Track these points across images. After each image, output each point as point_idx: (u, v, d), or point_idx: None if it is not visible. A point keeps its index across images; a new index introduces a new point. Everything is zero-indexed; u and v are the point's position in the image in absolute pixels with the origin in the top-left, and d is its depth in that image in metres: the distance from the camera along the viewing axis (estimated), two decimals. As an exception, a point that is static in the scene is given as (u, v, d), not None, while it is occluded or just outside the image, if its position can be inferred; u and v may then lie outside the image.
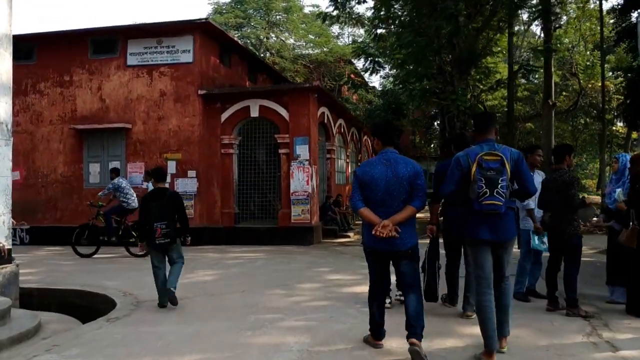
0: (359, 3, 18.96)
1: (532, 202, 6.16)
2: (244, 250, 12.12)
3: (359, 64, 25.61)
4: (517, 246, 5.70)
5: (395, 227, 4.11)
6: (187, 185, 13.96)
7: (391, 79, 31.57)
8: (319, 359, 4.34)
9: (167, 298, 6.24)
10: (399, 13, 17.72)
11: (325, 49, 30.03)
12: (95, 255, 11.07)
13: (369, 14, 19.27)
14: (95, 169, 14.62)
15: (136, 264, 9.98)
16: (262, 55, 26.95)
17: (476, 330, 4.41)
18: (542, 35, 21.53)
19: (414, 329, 4.18)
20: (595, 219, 7.62)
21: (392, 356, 4.37)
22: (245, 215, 14.49)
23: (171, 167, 14.03)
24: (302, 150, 13.69)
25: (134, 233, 11.13)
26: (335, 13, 18.72)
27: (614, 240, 6.03)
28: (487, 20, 16.47)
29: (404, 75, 19.26)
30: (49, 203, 14.73)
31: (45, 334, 6.07)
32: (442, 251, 5.76)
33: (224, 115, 14.24)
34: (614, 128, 30.59)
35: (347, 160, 20.25)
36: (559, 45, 23.09)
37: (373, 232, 4.12)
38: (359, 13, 20.48)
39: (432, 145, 37.46)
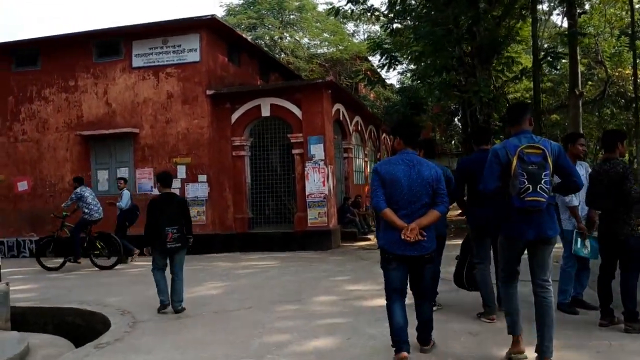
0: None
1: (575, 199, 5.36)
2: (257, 258, 11.43)
3: (375, 60, 24.88)
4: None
5: (421, 230, 3.98)
6: (197, 190, 13.33)
7: (409, 75, 30.82)
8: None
9: (168, 299, 6.40)
10: (415, 4, 16.91)
11: (340, 47, 29.34)
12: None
13: (383, 8, 18.46)
14: (104, 176, 14.09)
15: (141, 276, 9.35)
16: (276, 55, 26.32)
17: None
18: (564, 24, 20.53)
19: (426, 337, 4.32)
20: None
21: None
22: (259, 220, 13.81)
23: (181, 171, 13.43)
24: (316, 150, 12.96)
25: (98, 244, 10.80)
26: (348, 7, 17.95)
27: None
28: (507, 7, 15.56)
29: (422, 69, 18.47)
30: (57, 213, 14.19)
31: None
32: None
33: (234, 116, 13.58)
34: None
35: (366, 159, 19.46)
36: (583, 31, 21.98)
37: (402, 237, 3.94)
38: (372, 5, 19.68)
39: (452, 142, 36.53)
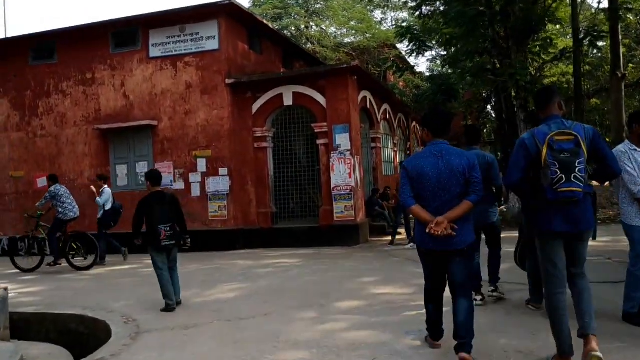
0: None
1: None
2: (280, 255, 10.77)
3: (403, 47, 23.97)
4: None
5: (451, 224, 3.78)
6: (218, 184, 12.74)
7: (439, 62, 29.73)
8: None
9: (174, 301, 6.35)
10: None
11: (367, 35, 28.46)
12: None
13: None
14: (123, 171, 13.62)
15: (153, 276, 8.80)
16: (303, 45, 25.62)
17: None
18: (603, 3, 19.19)
19: (464, 341, 3.87)
20: None
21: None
22: (283, 214, 13.15)
23: (201, 165, 12.86)
24: (342, 140, 12.21)
25: (74, 245, 10.43)
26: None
27: None
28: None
29: (453, 54, 17.53)
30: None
31: (24, 375, 4.97)
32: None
33: (255, 106, 12.92)
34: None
35: (395, 149, 18.62)
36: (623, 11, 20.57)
37: (427, 231, 3.80)
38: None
39: (485, 130, 35.30)
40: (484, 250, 5.53)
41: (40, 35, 14.17)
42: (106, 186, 11.64)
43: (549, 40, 16.64)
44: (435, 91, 24.58)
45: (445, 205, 3.86)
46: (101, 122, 13.53)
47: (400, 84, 31.27)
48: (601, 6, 28.24)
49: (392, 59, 25.63)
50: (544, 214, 3.74)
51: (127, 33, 13.52)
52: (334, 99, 12.27)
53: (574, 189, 3.52)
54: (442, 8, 16.32)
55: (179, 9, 13.02)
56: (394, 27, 28.37)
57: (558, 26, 19.36)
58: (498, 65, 15.95)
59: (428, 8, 17.07)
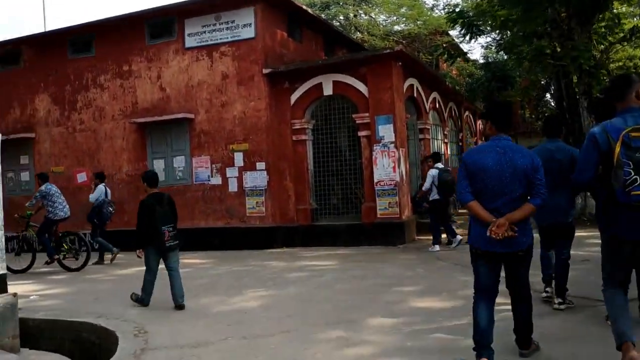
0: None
1: None
2: (316, 256, 10.08)
3: (456, 34, 22.74)
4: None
5: (512, 226, 3.55)
6: (256, 179, 12.16)
7: (493, 48, 28.24)
8: None
9: (149, 300, 6.46)
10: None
11: (418, 22, 27.31)
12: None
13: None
14: (160, 165, 13.23)
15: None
16: (351, 34, 24.79)
17: None
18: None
19: (525, 338, 3.91)
20: None
21: None
22: (324, 211, 12.42)
23: (238, 159, 12.32)
24: (385, 131, 11.36)
25: (65, 246, 10.11)
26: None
27: None
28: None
29: (510, 38, 16.31)
30: (115, 205, 13.58)
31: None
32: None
33: (294, 97, 12.24)
34: None
35: (445, 141, 17.53)
36: None
37: (488, 233, 3.58)
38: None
39: (543, 120, 33.35)
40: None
41: (78, 28, 13.96)
42: (102, 184, 11.33)
43: (616, 20, 15.21)
44: (489, 78, 23.37)
45: (505, 205, 3.62)
46: (138, 116, 13.20)
47: (453, 72, 30.01)
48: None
49: (443, 45, 24.44)
50: (611, 217, 3.51)
51: (163, 23, 13.11)
52: (377, 87, 11.43)
53: None
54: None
55: (214, -5, 12.47)
56: (445, 12, 27.19)
57: (626, 5, 17.70)
58: (559, 49, 14.71)
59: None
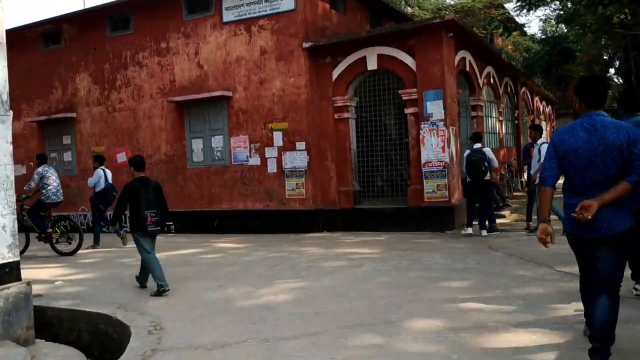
0: None
1: None
2: (358, 242, 9.41)
3: (511, 6, 21.32)
4: None
5: (594, 207, 3.17)
6: (295, 159, 11.55)
7: (553, 21, 26.48)
8: None
9: (166, 282, 6.31)
10: None
11: (472, -6, 25.99)
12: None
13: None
14: (198, 145, 12.83)
15: (211, 264, 7.81)
16: (401, 9, 23.69)
17: None
18: None
19: (598, 347, 3.22)
20: None
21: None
22: (367, 193, 11.71)
23: (277, 139, 11.73)
24: (434, 108, 10.50)
25: (57, 230, 9.99)
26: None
27: None
28: None
29: (571, 9, 14.95)
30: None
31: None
32: None
33: (336, 72, 11.50)
34: None
35: (500, 119, 16.38)
36: None
37: (573, 215, 3.26)
38: None
39: (620, 93, 31.31)
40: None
41: (116, 4, 13.62)
42: (102, 168, 11.00)
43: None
44: (548, 52, 21.83)
45: (596, 186, 3.31)
46: (176, 94, 12.79)
47: (509, 47, 28.44)
48: None
49: (498, 19, 23.01)
50: None
51: (200, -4, 12.58)
52: (425, 60, 10.55)
53: None
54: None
55: (252, -34, 11.81)
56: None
57: None
58: (629, 17, 13.35)
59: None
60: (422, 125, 10.58)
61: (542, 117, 24.14)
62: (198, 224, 12.47)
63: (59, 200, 10.11)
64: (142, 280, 6.73)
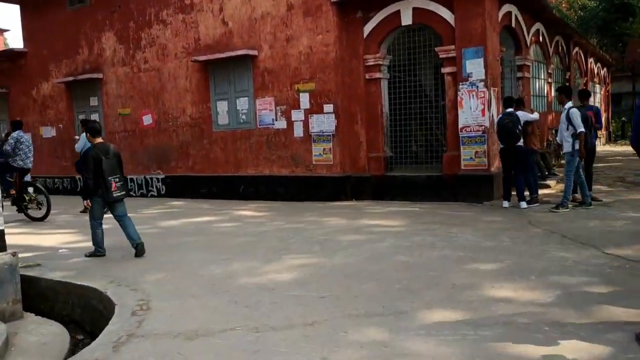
0: None
1: None
2: (385, 213, 8.72)
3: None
4: None
5: None
6: (323, 123, 10.85)
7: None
8: None
9: (104, 249, 6.57)
10: None
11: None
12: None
13: None
14: (224, 107, 12.27)
15: (226, 233, 7.31)
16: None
17: None
18: None
19: None
20: None
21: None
22: (400, 160, 10.94)
23: (304, 100, 11.03)
24: (474, 67, 9.55)
25: (26, 196, 9.91)
26: None
27: None
28: None
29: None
30: (180, 149, 12.92)
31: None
32: None
33: (367, 28, 10.63)
34: None
35: (549, 80, 15.13)
36: None
37: None
38: None
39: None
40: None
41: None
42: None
43: None
44: (606, 9, 20.09)
45: None
46: (200, 53, 12.19)
47: (562, 5, 26.47)
48: None
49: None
50: None
51: (225, -53, 11.80)
52: (465, 14, 9.55)
53: None
54: None
55: None
56: None
57: None
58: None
59: None
60: (461, 86, 9.66)
61: (596, 80, 22.44)
62: (224, 190, 12.04)
63: (26, 166, 10.07)
64: (129, 239, 6.56)
